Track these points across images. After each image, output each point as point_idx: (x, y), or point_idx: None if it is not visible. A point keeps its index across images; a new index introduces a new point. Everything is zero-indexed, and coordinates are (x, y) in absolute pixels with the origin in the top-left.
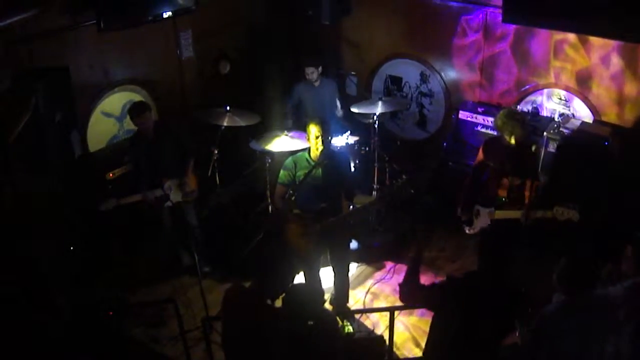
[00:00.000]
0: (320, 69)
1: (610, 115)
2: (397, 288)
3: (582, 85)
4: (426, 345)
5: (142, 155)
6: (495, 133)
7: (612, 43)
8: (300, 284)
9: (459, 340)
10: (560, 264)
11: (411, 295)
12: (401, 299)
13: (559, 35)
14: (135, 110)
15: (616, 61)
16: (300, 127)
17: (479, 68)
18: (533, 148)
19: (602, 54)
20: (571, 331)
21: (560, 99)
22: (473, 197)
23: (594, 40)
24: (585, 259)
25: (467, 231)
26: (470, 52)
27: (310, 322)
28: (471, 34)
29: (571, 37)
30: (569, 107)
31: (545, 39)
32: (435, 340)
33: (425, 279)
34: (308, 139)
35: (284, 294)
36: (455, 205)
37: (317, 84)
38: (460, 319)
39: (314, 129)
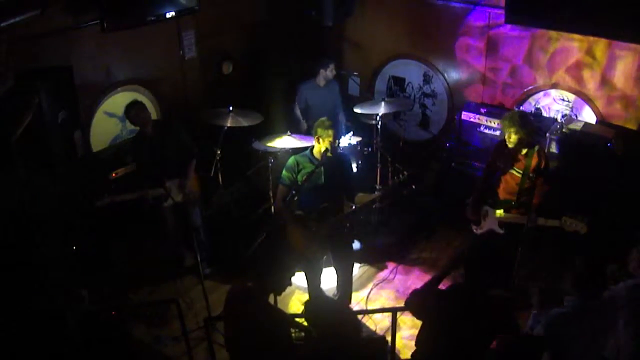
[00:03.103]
0: None
1: (614, 117)
2: (400, 289)
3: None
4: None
5: (144, 153)
6: (497, 134)
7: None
8: (319, 298)
9: (445, 349)
10: (577, 267)
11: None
12: (407, 306)
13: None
14: (131, 109)
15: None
16: (310, 129)
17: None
18: (536, 148)
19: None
20: (581, 333)
21: (563, 99)
22: (483, 198)
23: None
24: (599, 262)
25: (474, 230)
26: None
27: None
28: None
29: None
30: (571, 108)
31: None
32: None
33: (426, 280)
34: (316, 140)
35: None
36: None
37: (323, 83)
38: (445, 329)
39: (324, 134)
